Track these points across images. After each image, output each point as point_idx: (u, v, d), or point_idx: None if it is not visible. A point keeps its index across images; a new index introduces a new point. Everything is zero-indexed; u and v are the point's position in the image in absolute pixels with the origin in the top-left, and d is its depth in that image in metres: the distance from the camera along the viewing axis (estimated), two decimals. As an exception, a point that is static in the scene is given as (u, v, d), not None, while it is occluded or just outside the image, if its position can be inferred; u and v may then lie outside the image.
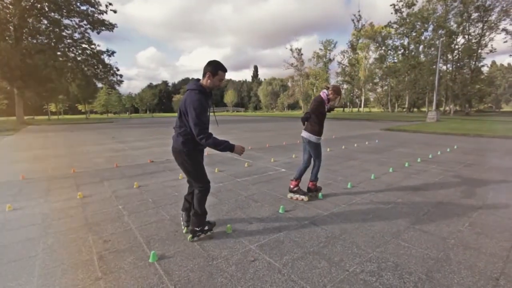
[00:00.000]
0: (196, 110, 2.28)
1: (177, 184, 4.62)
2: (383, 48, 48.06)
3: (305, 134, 3.73)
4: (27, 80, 23.76)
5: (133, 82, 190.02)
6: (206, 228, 2.69)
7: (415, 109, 50.48)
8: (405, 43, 44.10)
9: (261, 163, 6.39)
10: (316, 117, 3.64)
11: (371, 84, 54.16)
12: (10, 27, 23.83)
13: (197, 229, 2.62)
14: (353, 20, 53.86)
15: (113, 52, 29.43)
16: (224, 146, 2.38)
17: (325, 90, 3.68)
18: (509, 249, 2.43)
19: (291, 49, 53.79)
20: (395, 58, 46.90)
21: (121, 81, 33.20)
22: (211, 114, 2.56)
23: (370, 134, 13.02)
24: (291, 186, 3.78)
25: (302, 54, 54.38)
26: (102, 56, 29.08)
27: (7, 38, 23.65)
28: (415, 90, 42.07)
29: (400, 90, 47.04)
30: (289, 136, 12.28)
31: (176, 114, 2.66)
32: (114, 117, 54.88)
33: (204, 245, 2.55)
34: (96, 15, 27.32)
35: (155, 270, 2.15)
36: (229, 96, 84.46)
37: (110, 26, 28.43)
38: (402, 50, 44.78)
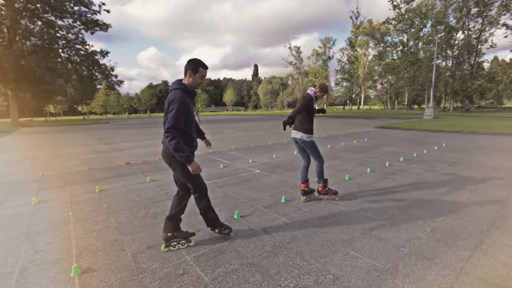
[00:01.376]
0: (175, 107, 2.22)
1: (141, 188, 4.45)
2: (382, 45, 47.56)
3: (297, 135, 3.55)
4: (20, 82, 23.67)
5: (134, 82, 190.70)
6: (221, 229, 2.68)
7: (415, 106, 49.96)
8: (404, 39, 43.63)
9: (238, 164, 6.20)
10: (306, 114, 3.50)
11: (370, 81, 53.62)
12: (4, 28, 23.75)
13: (210, 227, 2.71)
14: (351, 17, 53.17)
15: (107, 53, 29.26)
16: (182, 156, 2.24)
17: (312, 88, 3.55)
18: (467, 259, 2.23)
19: (289, 47, 53.43)
20: (394, 54, 46.44)
21: (121, 81, 33.03)
22: (196, 114, 2.43)
23: (362, 132, 12.78)
24: (305, 189, 3.64)
25: (301, 52, 53.99)
26: (96, 57, 28.92)
27: (0, 39, 23.59)
28: (414, 87, 41.63)
29: (400, 87, 46.57)
30: (277, 136, 12.07)
31: None
32: (112, 118, 54.88)
33: (138, 256, 2.37)
34: (89, 15, 27.17)
35: (72, 286, 1.98)
36: (229, 95, 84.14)
37: (104, 26, 28.26)
38: (401, 47, 44.31)
